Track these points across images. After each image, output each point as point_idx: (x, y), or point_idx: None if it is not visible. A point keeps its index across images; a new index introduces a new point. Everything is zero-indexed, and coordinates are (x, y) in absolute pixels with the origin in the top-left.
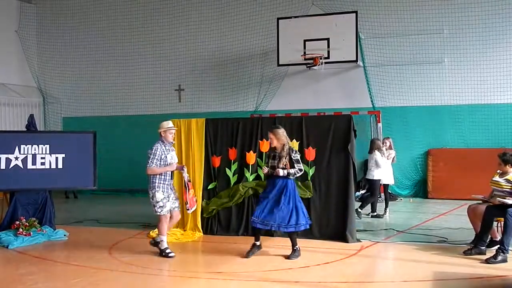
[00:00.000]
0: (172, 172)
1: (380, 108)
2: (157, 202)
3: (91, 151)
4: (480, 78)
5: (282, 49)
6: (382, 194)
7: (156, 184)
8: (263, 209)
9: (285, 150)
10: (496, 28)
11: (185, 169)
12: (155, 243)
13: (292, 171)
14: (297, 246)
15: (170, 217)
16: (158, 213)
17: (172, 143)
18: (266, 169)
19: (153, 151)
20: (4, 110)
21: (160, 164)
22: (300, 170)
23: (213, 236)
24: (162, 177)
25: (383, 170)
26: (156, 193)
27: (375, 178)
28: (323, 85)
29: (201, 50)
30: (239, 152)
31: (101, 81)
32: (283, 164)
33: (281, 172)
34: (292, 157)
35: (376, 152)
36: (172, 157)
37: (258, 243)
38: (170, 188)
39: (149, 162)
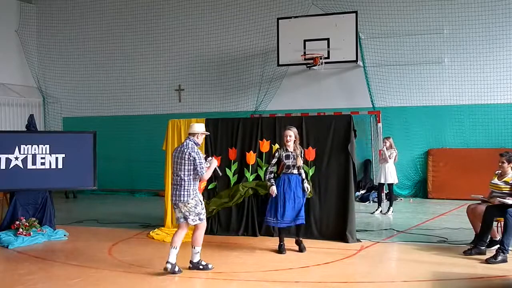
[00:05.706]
0: None
1: (380, 108)
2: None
3: (91, 151)
4: (480, 78)
5: (282, 49)
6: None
7: (195, 190)
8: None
9: (299, 148)
10: (496, 28)
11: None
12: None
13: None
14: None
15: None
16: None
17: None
18: (273, 190)
19: (199, 155)
20: (4, 110)
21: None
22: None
23: (213, 236)
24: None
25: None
26: (193, 199)
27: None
28: (323, 85)
29: (201, 50)
30: (239, 152)
31: (101, 81)
32: (300, 162)
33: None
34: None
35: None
36: None
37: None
38: None
39: (202, 167)
